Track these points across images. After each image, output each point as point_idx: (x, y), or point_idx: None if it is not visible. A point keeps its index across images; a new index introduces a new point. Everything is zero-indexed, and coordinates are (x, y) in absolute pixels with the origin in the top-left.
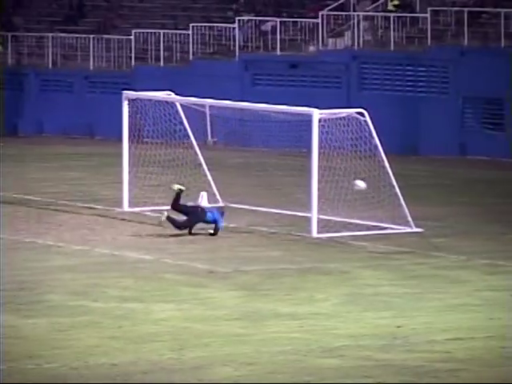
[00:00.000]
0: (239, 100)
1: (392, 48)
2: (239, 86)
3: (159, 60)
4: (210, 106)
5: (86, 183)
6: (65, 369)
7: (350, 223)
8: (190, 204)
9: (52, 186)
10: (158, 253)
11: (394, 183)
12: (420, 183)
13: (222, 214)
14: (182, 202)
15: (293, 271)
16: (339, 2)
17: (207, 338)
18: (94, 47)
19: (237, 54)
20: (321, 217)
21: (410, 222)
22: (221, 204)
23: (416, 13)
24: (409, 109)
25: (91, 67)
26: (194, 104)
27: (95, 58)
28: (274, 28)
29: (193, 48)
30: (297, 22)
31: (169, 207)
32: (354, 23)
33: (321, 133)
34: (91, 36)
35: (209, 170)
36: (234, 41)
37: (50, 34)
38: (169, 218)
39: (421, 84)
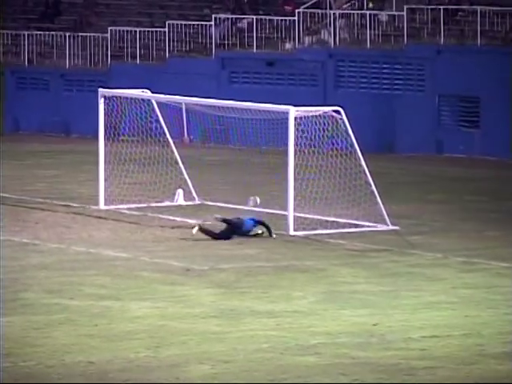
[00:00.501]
0: (216, 98)
1: (368, 46)
2: (216, 84)
3: (135, 58)
4: (187, 104)
5: (62, 181)
6: (41, 367)
7: (327, 221)
8: (230, 218)
9: (28, 184)
10: (134, 250)
11: (371, 181)
12: (396, 181)
13: (259, 222)
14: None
15: (269, 269)
16: (315, 0)
17: (184, 335)
18: (69, 45)
19: (213, 51)
20: (297, 214)
21: (386, 219)
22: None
23: (392, 10)
24: (385, 107)
25: (67, 65)
26: (171, 102)
27: (71, 55)
28: (250, 25)
29: (169, 46)
30: (273, 19)
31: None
32: (330, 21)
33: (297, 131)
34: (67, 34)
35: (185, 167)
36: (211, 38)
37: (26, 32)
38: (202, 230)
39: (397, 82)
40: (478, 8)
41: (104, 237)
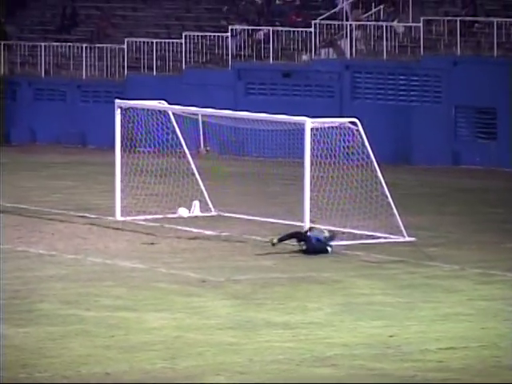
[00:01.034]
0: (232, 109)
1: (385, 57)
2: (232, 95)
3: (152, 69)
4: (203, 115)
5: (78, 192)
6: (57, 378)
7: (343, 232)
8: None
9: (44, 195)
10: (150, 262)
11: (387, 192)
12: (413, 192)
13: (332, 237)
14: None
15: (286, 280)
16: (332, 11)
17: (200, 347)
18: (86, 56)
19: (230, 63)
20: (314, 226)
21: (402, 231)
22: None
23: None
24: (401, 118)
25: (84, 76)
26: (187, 113)
27: (88, 66)
28: (266, 37)
29: (185, 57)
30: (289, 30)
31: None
32: (346, 32)
33: (313, 142)
34: (84, 45)
35: (201, 179)
36: (227, 50)
37: (43, 43)
38: (281, 240)
39: (413, 93)
40: (495, 20)
41: (120, 248)
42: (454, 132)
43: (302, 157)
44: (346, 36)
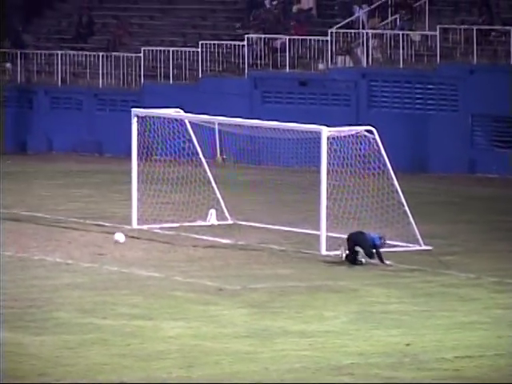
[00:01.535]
0: (248, 117)
1: (401, 66)
2: (248, 104)
3: (168, 78)
4: (219, 124)
5: (95, 201)
6: None
7: None
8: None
9: (61, 204)
10: (167, 270)
11: (403, 201)
12: (429, 201)
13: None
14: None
15: (302, 289)
16: (348, 20)
17: (216, 355)
18: (103, 65)
19: (246, 71)
20: (330, 234)
21: (419, 239)
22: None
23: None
24: (418, 126)
25: (100, 85)
26: (203, 121)
27: (104, 75)
28: (283, 45)
29: (202, 65)
30: (306, 39)
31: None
32: (363, 41)
33: (330, 150)
34: (100, 53)
35: (218, 187)
36: (244, 58)
37: (60, 52)
38: (348, 257)
39: (430, 102)
40: (511, 28)
41: (137, 256)
42: (471, 140)
43: (318, 165)
44: (363, 44)
